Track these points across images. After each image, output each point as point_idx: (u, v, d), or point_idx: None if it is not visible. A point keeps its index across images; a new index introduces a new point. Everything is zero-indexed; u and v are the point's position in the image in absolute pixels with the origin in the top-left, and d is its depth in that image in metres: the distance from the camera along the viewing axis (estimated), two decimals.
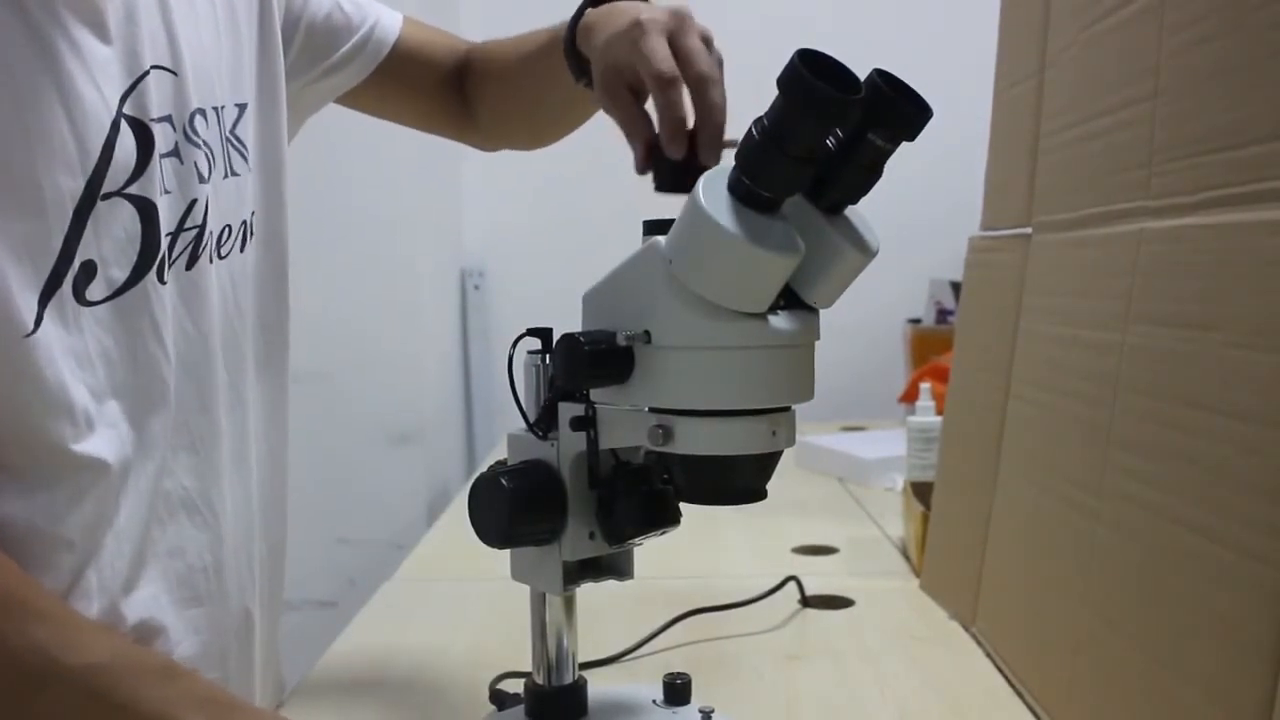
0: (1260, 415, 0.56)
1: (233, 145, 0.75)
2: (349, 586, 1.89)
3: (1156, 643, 0.64)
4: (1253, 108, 0.59)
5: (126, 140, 0.64)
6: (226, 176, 0.74)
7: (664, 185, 0.67)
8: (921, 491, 1.17)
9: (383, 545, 1.91)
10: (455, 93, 0.95)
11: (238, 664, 0.78)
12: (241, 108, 0.76)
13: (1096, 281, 0.78)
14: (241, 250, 0.76)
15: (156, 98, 0.67)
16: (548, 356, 0.66)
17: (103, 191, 0.63)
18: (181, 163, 0.69)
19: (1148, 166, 0.70)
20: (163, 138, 0.67)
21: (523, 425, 0.67)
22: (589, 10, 0.77)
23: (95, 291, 0.63)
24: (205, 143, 0.71)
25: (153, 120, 0.66)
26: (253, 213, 0.77)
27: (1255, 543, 0.55)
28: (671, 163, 0.65)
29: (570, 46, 0.78)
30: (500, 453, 0.72)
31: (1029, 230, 0.93)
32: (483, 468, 0.67)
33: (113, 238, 0.64)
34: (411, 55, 0.92)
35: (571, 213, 2.27)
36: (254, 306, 0.79)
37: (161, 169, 0.67)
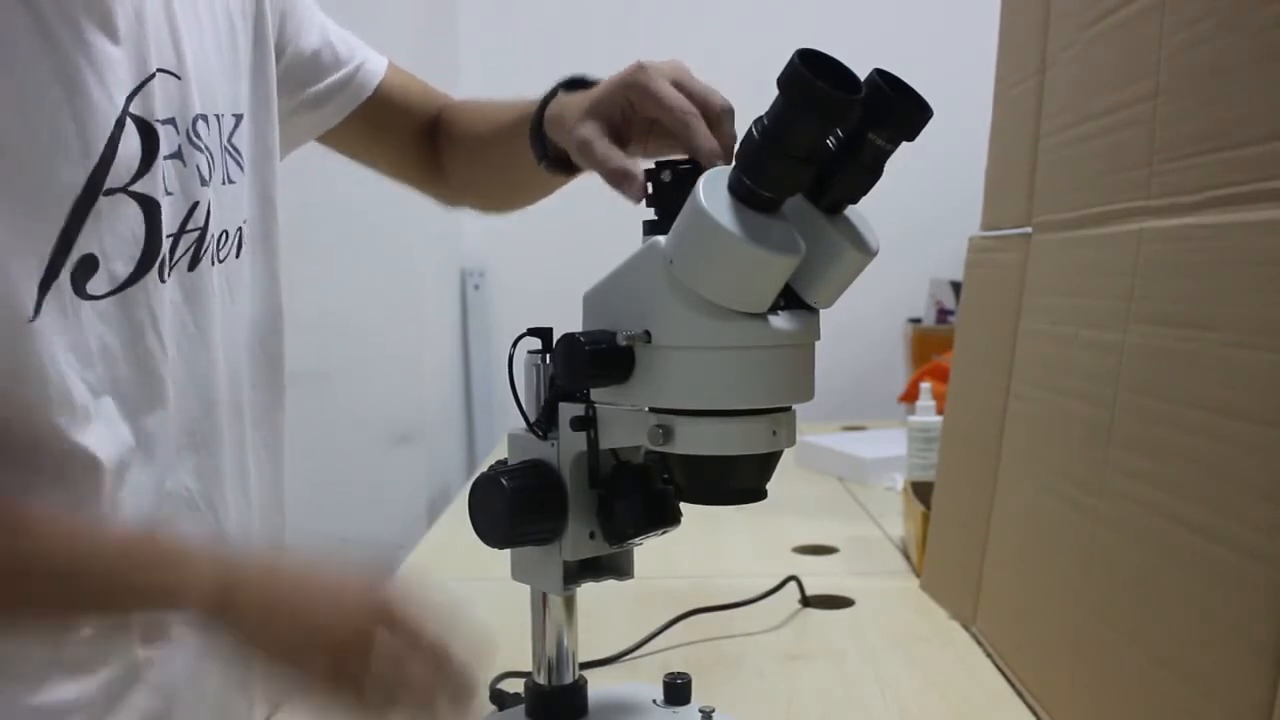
0: (1260, 415, 0.56)
1: (229, 153, 0.76)
2: None
3: (1156, 643, 0.64)
4: (1253, 108, 0.59)
5: (131, 138, 0.65)
6: (224, 183, 0.75)
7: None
8: (921, 491, 1.17)
9: (383, 545, 1.91)
10: (427, 145, 0.95)
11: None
12: (238, 118, 0.77)
13: (1096, 281, 0.78)
14: (237, 256, 0.77)
15: (161, 99, 0.67)
16: (548, 356, 0.66)
17: (106, 187, 0.63)
18: (184, 165, 0.70)
19: (1148, 166, 0.70)
20: (166, 139, 0.68)
21: (523, 425, 0.67)
22: (559, 96, 0.76)
23: (97, 286, 0.64)
24: (206, 147, 0.72)
25: (158, 121, 0.67)
26: (245, 220, 0.78)
27: (1255, 542, 0.55)
28: (669, 185, 0.63)
29: (537, 129, 0.77)
30: (500, 453, 0.72)
31: (1029, 230, 0.93)
32: (483, 468, 0.67)
33: (116, 233, 0.64)
34: (392, 101, 0.93)
35: (572, 213, 2.25)
36: (250, 311, 0.79)
37: (164, 170, 0.68)
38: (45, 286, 0.61)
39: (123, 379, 0.66)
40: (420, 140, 0.95)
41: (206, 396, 0.73)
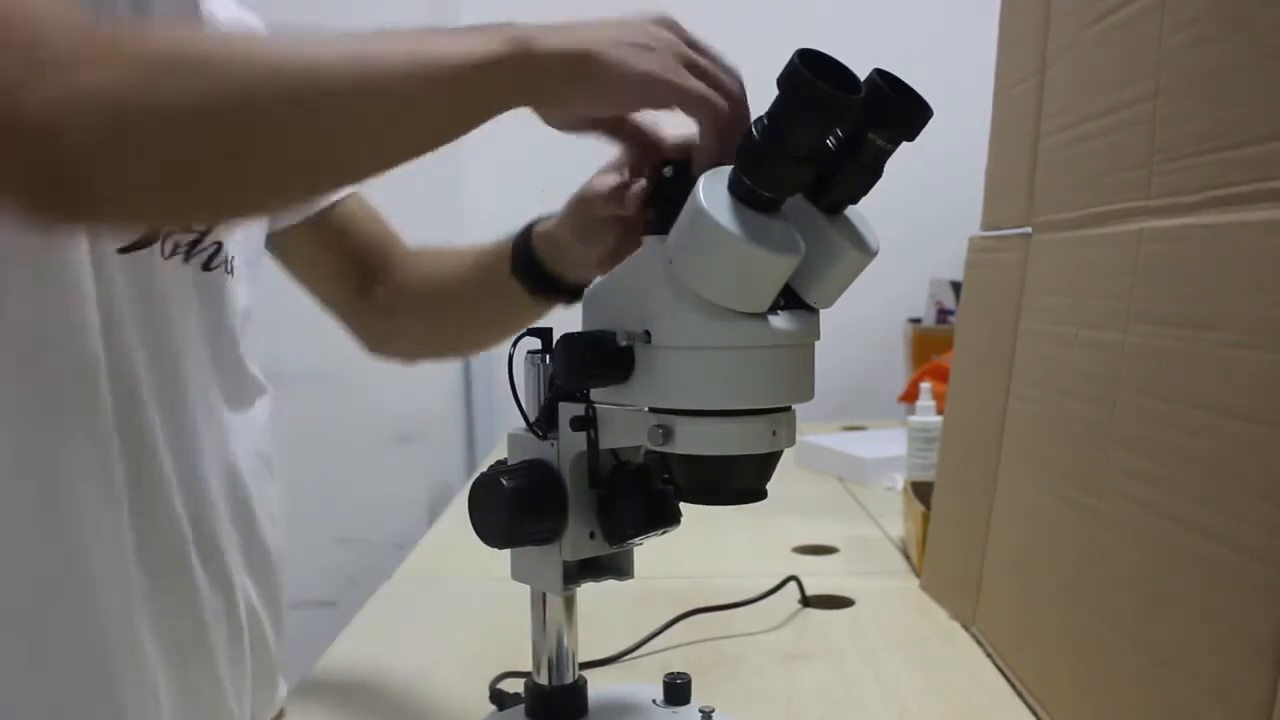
0: (1260, 415, 0.56)
1: None
2: (349, 586, 1.89)
3: (1156, 643, 0.64)
4: (1253, 108, 0.59)
5: None
6: None
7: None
8: (921, 491, 1.17)
9: (383, 545, 1.91)
10: (370, 281, 0.94)
11: (230, 665, 0.78)
12: None
13: (1096, 281, 0.78)
14: (228, 271, 0.77)
15: None
16: (548, 356, 0.66)
17: None
18: None
19: (1148, 166, 0.70)
20: None
21: (523, 425, 0.67)
22: (546, 221, 0.78)
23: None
24: None
25: None
26: (233, 256, 0.79)
27: (1255, 542, 0.55)
28: (669, 185, 0.64)
29: (523, 248, 0.79)
30: (500, 453, 0.72)
31: (1029, 230, 0.93)
32: (483, 468, 0.67)
33: None
34: (345, 228, 0.92)
35: None
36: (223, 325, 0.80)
37: None
38: None
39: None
40: (365, 278, 0.94)
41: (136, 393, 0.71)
